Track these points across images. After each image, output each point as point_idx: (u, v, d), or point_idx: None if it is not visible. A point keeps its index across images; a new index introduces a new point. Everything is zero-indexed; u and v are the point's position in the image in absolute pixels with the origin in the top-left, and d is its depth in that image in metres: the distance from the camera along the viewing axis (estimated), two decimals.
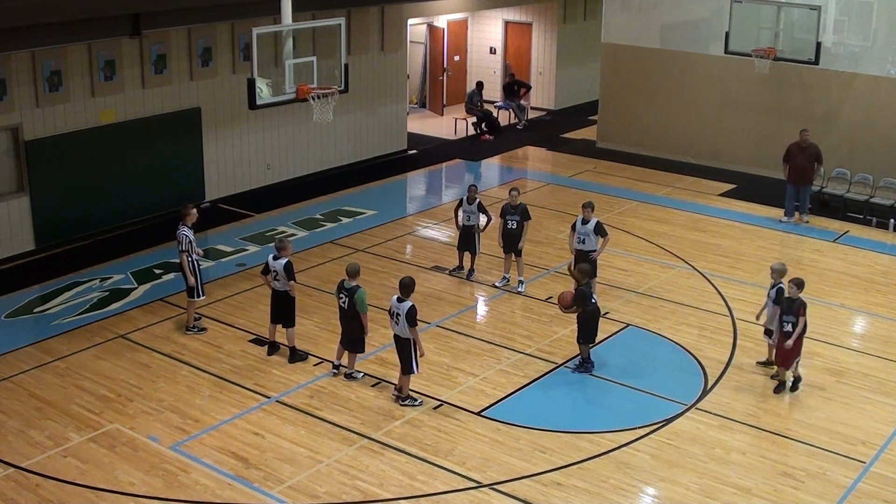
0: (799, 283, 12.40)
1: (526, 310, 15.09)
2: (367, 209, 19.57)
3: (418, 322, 12.07)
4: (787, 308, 12.40)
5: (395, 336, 12.12)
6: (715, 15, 21.86)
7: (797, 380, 12.68)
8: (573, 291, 12.97)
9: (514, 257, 15.62)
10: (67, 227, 17.29)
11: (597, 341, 13.36)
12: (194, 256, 13.75)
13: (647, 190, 21.10)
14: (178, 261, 14.00)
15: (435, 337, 14.04)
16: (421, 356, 12.15)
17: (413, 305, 11.91)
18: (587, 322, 12.97)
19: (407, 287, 12.00)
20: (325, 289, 15.31)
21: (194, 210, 13.88)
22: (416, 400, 12.26)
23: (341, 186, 20.97)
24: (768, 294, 12.90)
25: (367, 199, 20.30)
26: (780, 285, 12.76)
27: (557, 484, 10.69)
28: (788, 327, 12.35)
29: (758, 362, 13.26)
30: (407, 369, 12.10)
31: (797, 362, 12.53)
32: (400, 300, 11.96)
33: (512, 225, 15.38)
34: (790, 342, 12.30)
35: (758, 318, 13.29)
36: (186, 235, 13.64)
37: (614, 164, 22.98)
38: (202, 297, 14.05)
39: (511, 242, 15.50)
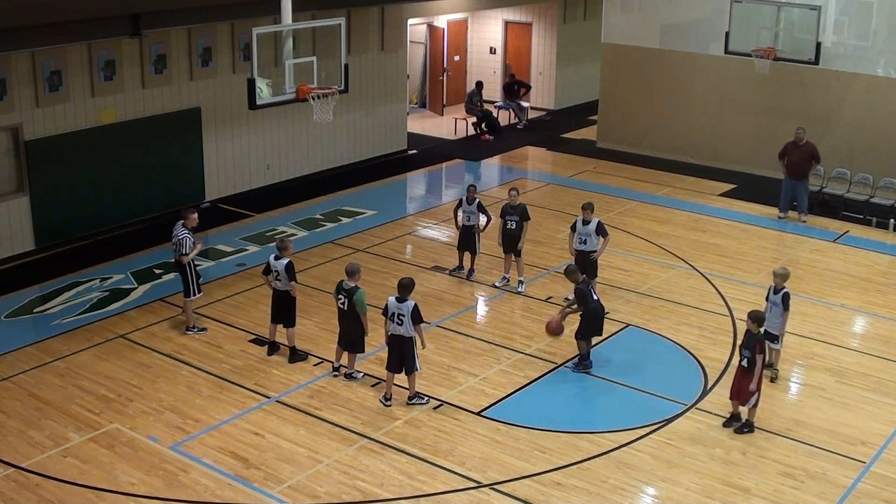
0: (756, 318, 11.49)
1: (526, 310, 15.09)
2: (367, 209, 19.57)
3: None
4: (747, 342, 11.50)
5: (395, 336, 12.07)
6: (715, 15, 21.86)
7: (747, 425, 11.70)
8: (558, 317, 13.06)
9: (513, 257, 15.62)
10: (67, 227, 17.29)
11: (597, 341, 13.37)
12: (192, 253, 13.75)
13: (647, 190, 21.10)
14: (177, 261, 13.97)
15: (435, 337, 14.04)
16: (423, 349, 12.15)
17: (416, 304, 11.94)
18: (588, 319, 12.97)
19: (407, 287, 12.00)
20: (325, 289, 15.30)
21: (195, 214, 13.90)
22: (423, 398, 12.28)
23: (341, 186, 20.97)
24: (768, 298, 12.73)
25: (367, 199, 20.30)
26: (785, 290, 12.58)
27: (557, 484, 10.69)
28: (744, 362, 11.47)
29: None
30: (410, 368, 12.12)
31: (755, 400, 11.55)
32: (400, 300, 11.95)
33: (511, 225, 15.38)
34: (753, 385, 11.38)
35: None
36: (188, 237, 13.65)
37: (614, 164, 22.98)
38: (199, 295, 14.06)
39: (510, 242, 15.50)
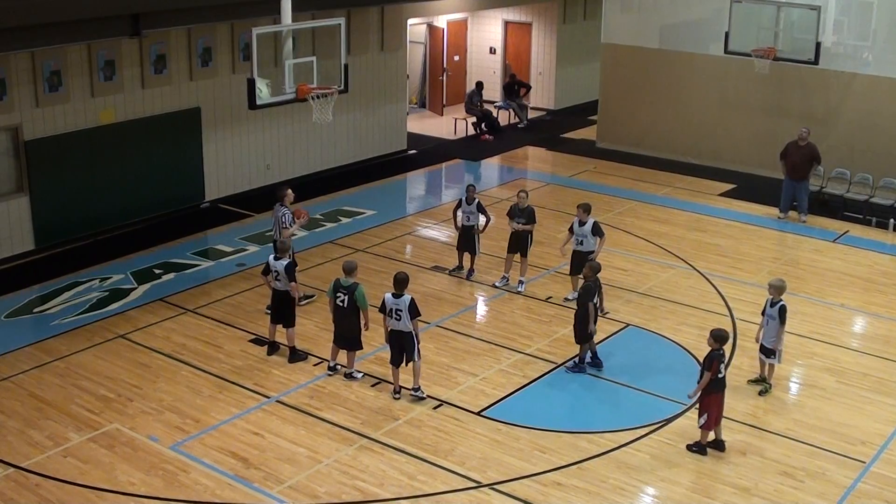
0: (716, 336, 11.06)
1: (526, 310, 15.09)
2: (367, 209, 19.56)
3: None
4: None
5: (395, 332, 12.11)
6: (715, 15, 21.85)
7: (696, 445, 11.35)
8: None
9: (518, 257, 15.59)
10: (67, 227, 17.28)
11: (595, 342, 13.38)
12: (294, 227, 14.38)
13: (647, 190, 21.09)
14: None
15: (435, 337, 14.04)
16: (419, 343, 12.21)
17: (413, 298, 11.96)
18: (581, 321, 12.97)
19: (402, 282, 12.03)
20: (325, 289, 15.24)
21: (289, 190, 14.58)
22: (423, 391, 12.33)
23: (341, 186, 20.96)
24: (764, 312, 12.52)
25: (367, 199, 20.30)
26: (782, 303, 12.33)
27: (557, 484, 10.69)
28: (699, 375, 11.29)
29: (749, 381, 12.84)
30: (411, 358, 12.16)
31: (703, 420, 11.15)
32: (396, 296, 11.96)
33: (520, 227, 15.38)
34: (692, 392, 11.23)
35: (757, 339, 12.76)
36: (287, 212, 14.14)
37: (614, 164, 22.98)
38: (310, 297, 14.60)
39: (517, 244, 15.47)
